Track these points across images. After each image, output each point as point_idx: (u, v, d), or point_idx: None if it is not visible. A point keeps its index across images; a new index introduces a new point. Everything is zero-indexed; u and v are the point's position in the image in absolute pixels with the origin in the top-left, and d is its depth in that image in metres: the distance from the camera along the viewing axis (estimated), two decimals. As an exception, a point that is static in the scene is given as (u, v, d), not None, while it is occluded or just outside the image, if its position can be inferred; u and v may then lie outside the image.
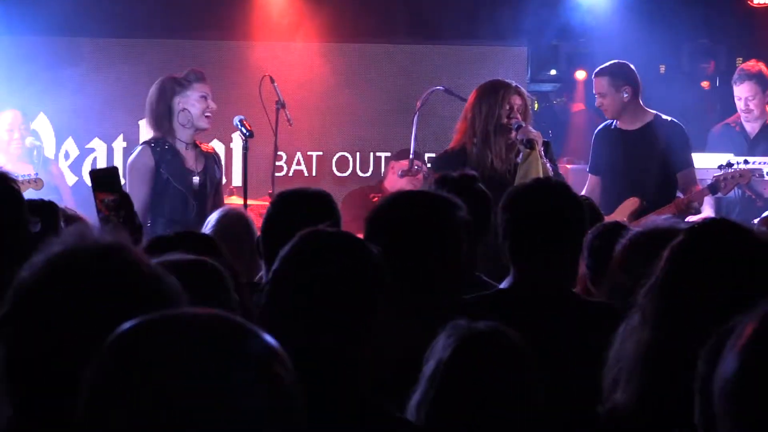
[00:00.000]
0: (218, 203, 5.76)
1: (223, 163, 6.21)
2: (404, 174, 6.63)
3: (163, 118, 5.78)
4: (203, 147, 5.96)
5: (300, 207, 3.41)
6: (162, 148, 5.77)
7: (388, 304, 2.88)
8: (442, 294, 2.93)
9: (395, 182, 7.04)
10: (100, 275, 1.59)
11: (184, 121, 5.77)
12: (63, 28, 7.77)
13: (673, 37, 8.61)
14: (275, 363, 1.27)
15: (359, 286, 2.26)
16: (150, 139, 5.87)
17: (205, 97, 5.79)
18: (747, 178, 6.32)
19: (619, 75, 6.31)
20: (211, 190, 5.83)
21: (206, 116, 5.79)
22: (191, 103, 5.77)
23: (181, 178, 5.75)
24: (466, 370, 2.29)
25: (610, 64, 6.39)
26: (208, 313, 1.30)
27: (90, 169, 3.66)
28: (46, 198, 3.42)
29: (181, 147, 5.80)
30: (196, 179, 5.77)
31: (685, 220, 5.65)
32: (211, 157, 5.94)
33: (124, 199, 3.54)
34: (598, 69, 6.40)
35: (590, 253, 3.58)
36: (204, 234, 3.56)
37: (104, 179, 3.55)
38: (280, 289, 2.28)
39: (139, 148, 5.87)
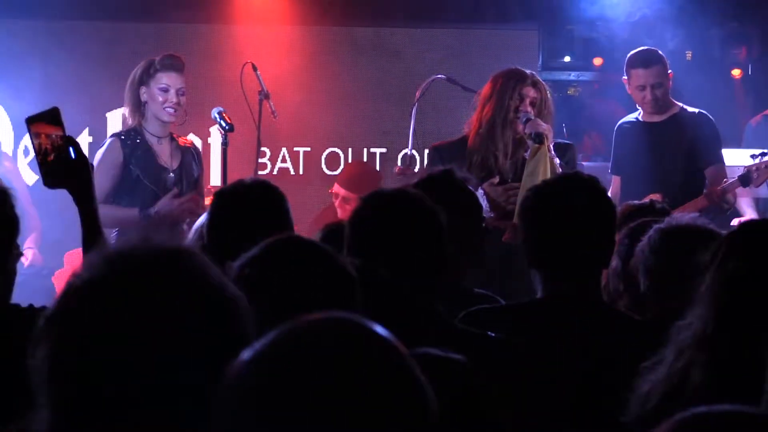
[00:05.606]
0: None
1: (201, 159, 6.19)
2: (401, 172, 6.61)
3: (134, 108, 5.83)
4: (181, 141, 5.95)
5: (244, 201, 3.43)
6: (133, 141, 5.79)
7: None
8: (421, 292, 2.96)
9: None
10: (160, 279, 1.61)
11: (149, 114, 5.80)
12: (22, 10, 7.72)
13: (700, 20, 8.56)
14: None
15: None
16: (121, 131, 5.90)
17: (166, 90, 5.76)
18: None
19: (665, 61, 6.31)
20: (188, 189, 5.81)
21: (166, 110, 5.76)
22: (152, 96, 5.78)
23: (152, 175, 5.76)
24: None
25: (655, 51, 6.35)
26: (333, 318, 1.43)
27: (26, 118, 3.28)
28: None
29: (153, 141, 5.81)
30: (171, 176, 5.77)
31: (732, 222, 5.68)
32: (189, 152, 5.94)
33: (72, 139, 3.23)
34: (645, 58, 6.30)
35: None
36: None
37: (47, 117, 3.22)
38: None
39: (108, 141, 5.89)
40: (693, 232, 3.25)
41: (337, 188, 7.13)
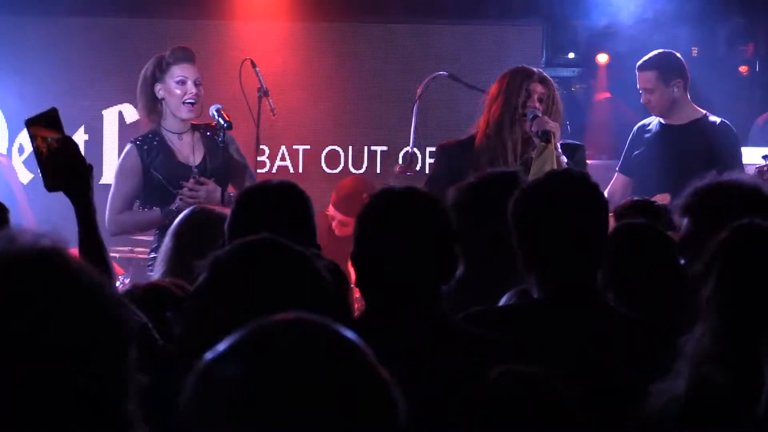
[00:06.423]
0: (238, 185, 5.65)
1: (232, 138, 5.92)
2: (402, 170, 6.58)
3: (149, 108, 5.77)
4: (202, 130, 5.82)
5: (267, 202, 3.45)
6: (150, 145, 5.74)
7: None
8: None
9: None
10: (29, 283, 1.62)
11: (166, 112, 5.75)
12: (19, 7, 7.69)
13: (706, 16, 8.54)
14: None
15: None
16: (137, 137, 5.85)
17: (183, 81, 5.72)
18: None
19: (669, 67, 6.27)
20: (222, 177, 5.71)
21: (186, 104, 5.71)
22: (169, 91, 5.73)
23: (173, 177, 5.67)
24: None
25: (657, 56, 6.31)
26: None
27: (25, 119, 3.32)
28: None
29: (172, 138, 5.75)
30: (194, 171, 5.70)
31: None
32: (212, 139, 5.80)
33: (69, 141, 3.22)
34: (642, 62, 6.31)
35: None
36: None
37: (45, 119, 3.24)
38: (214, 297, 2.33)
39: (126, 148, 5.84)
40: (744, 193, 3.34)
41: (332, 211, 7.04)
